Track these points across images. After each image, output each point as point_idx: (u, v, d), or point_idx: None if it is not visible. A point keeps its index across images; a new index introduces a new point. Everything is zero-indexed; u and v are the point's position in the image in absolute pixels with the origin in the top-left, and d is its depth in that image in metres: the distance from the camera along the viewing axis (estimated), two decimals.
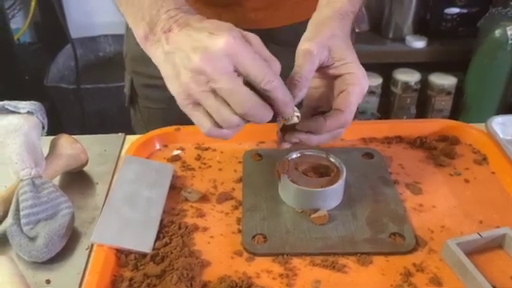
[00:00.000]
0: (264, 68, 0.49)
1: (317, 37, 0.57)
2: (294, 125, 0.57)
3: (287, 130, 0.58)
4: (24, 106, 0.65)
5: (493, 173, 0.69)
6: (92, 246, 0.58)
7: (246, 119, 0.51)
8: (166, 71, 0.52)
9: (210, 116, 0.51)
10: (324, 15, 0.61)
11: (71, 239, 0.60)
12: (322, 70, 0.58)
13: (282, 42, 0.82)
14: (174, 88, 0.52)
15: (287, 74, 0.57)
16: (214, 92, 0.49)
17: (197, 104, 0.51)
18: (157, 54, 0.53)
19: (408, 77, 1.86)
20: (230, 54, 0.48)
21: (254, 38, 0.51)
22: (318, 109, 0.61)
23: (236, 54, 0.48)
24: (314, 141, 0.59)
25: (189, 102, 0.51)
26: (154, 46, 0.53)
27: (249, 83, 0.50)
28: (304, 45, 0.57)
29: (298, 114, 0.56)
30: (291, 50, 0.58)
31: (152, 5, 0.54)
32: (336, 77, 0.58)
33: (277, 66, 0.52)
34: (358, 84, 0.57)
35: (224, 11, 0.80)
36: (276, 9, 0.81)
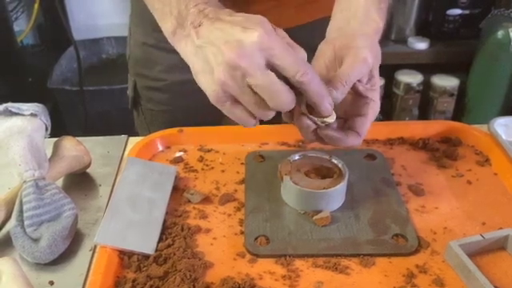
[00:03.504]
0: (298, 60, 0.49)
1: (372, 50, 0.56)
2: (316, 129, 0.57)
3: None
4: (27, 107, 0.65)
5: (495, 174, 0.69)
6: (95, 247, 0.58)
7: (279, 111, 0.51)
8: (197, 66, 0.51)
9: (248, 111, 0.51)
10: (368, 29, 0.60)
11: (74, 241, 0.60)
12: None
13: None
14: (207, 85, 0.51)
15: None
16: (250, 87, 0.49)
17: (235, 101, 0.51)
18: (187, 49, 0.52)
19: (410, 78, 1.85)
20: (263, 49, 0.47)
21: (281, 32, 0.51)
22: None
23: (270, 47, 0.47)
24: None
25: (226, 99, 0.51)
26: (182, 40, 0.53)
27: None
28: (363, 52, 0.56)
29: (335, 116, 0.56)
30: None
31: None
32: (359, 95, 0.58)
33: (302, 53, 0.51)
34: (376, 112, 0.59)
35: None
36: (280, 11, 0.81)
